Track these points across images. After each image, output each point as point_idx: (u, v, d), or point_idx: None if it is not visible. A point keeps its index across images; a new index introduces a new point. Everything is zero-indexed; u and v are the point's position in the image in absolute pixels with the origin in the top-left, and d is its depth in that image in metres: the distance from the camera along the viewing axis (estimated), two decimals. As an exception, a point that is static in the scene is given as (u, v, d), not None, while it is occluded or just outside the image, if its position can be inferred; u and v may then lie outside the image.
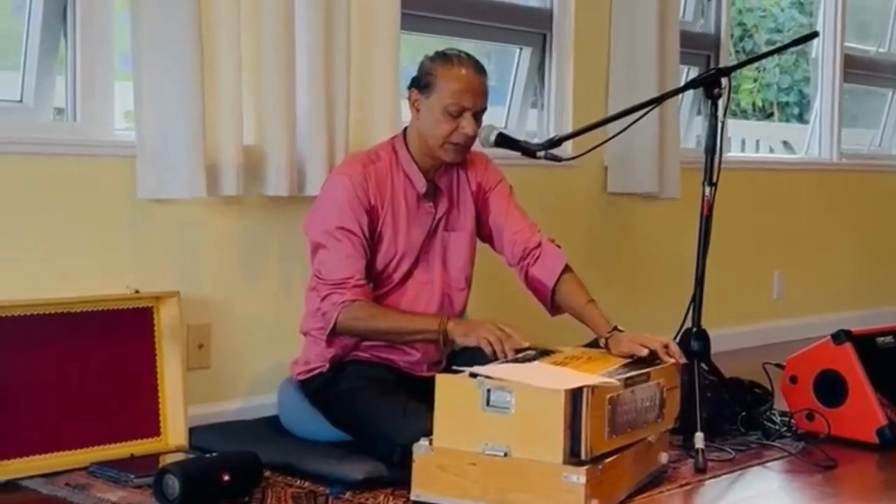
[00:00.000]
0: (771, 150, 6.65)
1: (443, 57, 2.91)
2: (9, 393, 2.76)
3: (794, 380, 3.34)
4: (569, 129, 4.09)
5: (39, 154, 2.95)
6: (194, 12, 2.98)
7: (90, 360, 2.91)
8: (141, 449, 2.92)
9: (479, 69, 2.90)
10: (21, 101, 3.04)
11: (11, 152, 2.90)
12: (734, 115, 7.01)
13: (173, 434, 2.99)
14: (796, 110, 7.29)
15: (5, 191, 2.89)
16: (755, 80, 7.39)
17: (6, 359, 2.77)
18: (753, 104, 7.51)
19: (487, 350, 2.66)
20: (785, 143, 6.81)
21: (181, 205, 3.13)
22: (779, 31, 7.44)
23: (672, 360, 2.77)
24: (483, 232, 3.10)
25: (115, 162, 3.06)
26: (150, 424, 2.98)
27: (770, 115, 7.53)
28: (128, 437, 2.93)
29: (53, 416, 2.83)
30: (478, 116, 2.90)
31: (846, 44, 5.68)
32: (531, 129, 4.34)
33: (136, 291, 2.99)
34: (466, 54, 2.94)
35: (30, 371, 2.81)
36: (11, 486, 2.68)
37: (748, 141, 6.70)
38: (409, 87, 2.94)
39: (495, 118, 4.24)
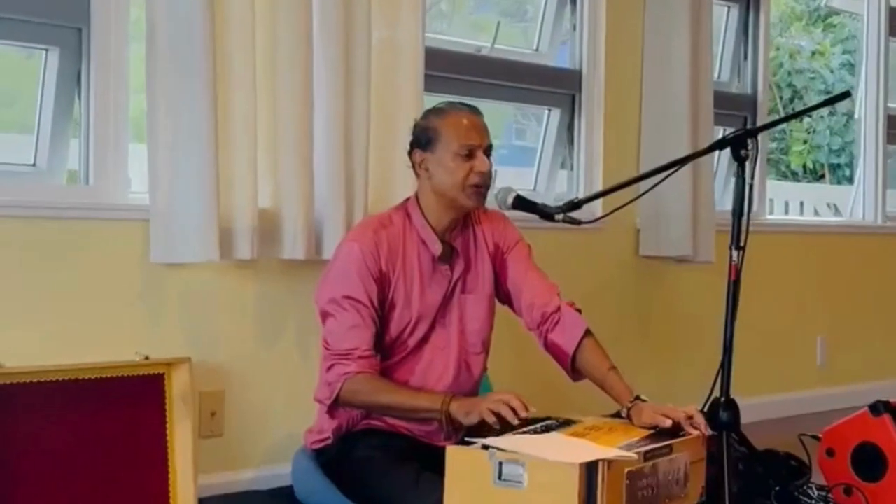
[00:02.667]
0: (816, 213, 6.51)
1: (435, 111, 2.89)
2: (14, 461, 2.70)
3: (830, 453, 3.20)
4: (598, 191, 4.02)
5: (53, 218, 2.92)
6: (209, 74, 2.96)
7: (98, 429, 2.84)
8: (148, 520, 2.85)
9: (475, 110, 2.89)
10: (34, 164, 3.03)
11: (24, 216, 2.88)
12: (784, 176, 6.90)
13: (183, 505, 2.91)
14: (847, 172, 7.17)
15: (17, 254, 2.87)
16: (805, 142, 7.29)
17: (12, 426, 2.71)
18: (804, 166, 7.40)
19: (490, 420, 2.56)
20: (831, 205, 6.68)
21: (194, 269, 3.09)
22: (828, 92, 7.34)
23: (696, 432, 2.64)
24: (501, 294, 3.02)
25: (128, 226, 3.03)
26: (159, 495, 2.90)
27: (821, 177, 7.41)
28: (136, 508, 2.86)
29: (60, 485, 2.76)
30: (487, 154, 2.85)
31: (890, 104, 5.57)
32: (561, 190, 4.27)
33: (147, 358, 2.93)
34: (456, 102, 2.92)
35: (37, 439, 2.75)
36: (11, 558, 2.61)
37: (793, 203, 6.58)
38: (410, 153, 2.89)
39: (524, 179, 4.19)
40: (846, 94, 3.23)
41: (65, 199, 2.99)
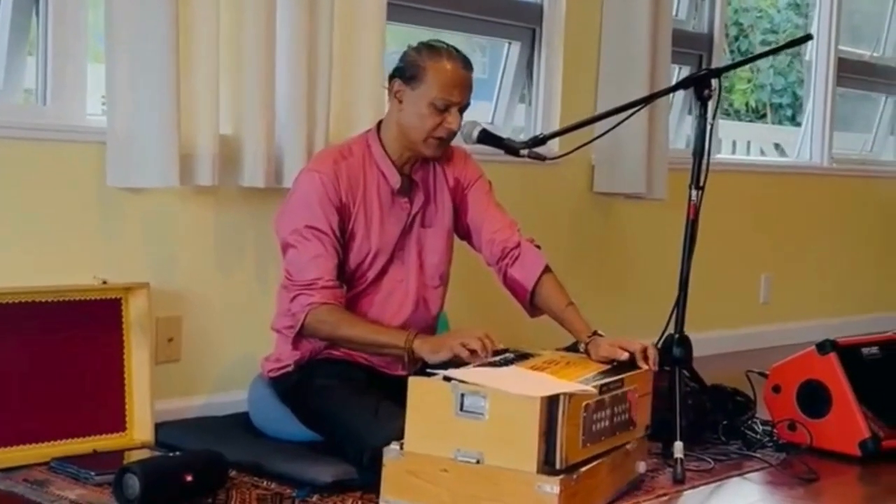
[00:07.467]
0: (762, 153, 6.59)
1: (431, 49, 2.82)
2: (-32, 383, 2.68)
3: (777, 389, 3.28)
4: (556, 126, 4.03)
5: (6, 138, 2.85)
6: (171, -5, 2.89)
7: (55, 352, 2.83)
8: (105, 444, 2.84)
9: (467, 64, 2.83)
10: (-11, 82, 2.96)
11: (-22, 135, 2.82)
12: (727, 115, 6.96)
13: (139, 429, 2.91)
14: (789, 112, 7.25)
15: (-30, 175, 2.81)
16: (749, 81, 7.34)
17: (-33, 349, 2.69)
18: (746, 105, 7.46)
19: (464, 355, 2.57)
20: (776, 145, 6.76)
21: (153, 194, 3.05)
22: (774, 31, 7.39)
23: (646, 367, 2.69)
24: (461, 229, 3.02)
25: (85, 148, 2.97)
26: (115, 419, 2.90)
27: (763, 117, 7.48)
28: (92, 432, 2.85)
29: (15, 409, 2.74)
30: (462, 111, 2.83)
31: (840, 47, 5.62)
32: (519, 124, 4.27)
33: (104, 282, 2.91)
34: (454, 48, 2.85)
35: (-9, 361, 2.73)
36: (-33, 480, 2.60)
37: (739, 142, 6.64)
38: (391, 77, 2.85)
39: (482, 112, 4.17)
40: (808, 37, 3.27)
41: (20, 119, 2.92)
